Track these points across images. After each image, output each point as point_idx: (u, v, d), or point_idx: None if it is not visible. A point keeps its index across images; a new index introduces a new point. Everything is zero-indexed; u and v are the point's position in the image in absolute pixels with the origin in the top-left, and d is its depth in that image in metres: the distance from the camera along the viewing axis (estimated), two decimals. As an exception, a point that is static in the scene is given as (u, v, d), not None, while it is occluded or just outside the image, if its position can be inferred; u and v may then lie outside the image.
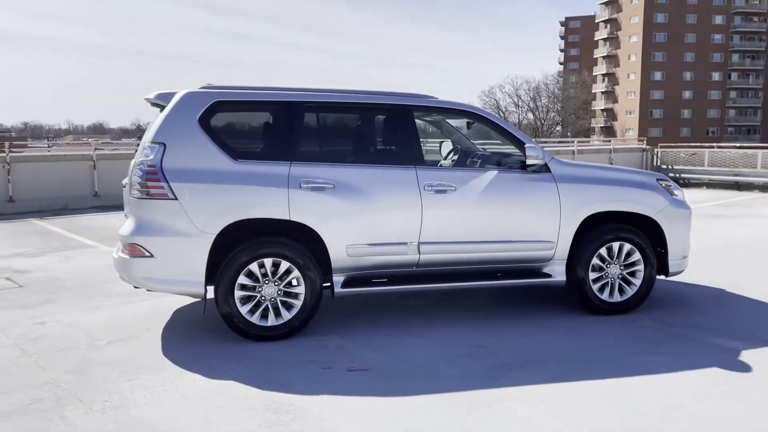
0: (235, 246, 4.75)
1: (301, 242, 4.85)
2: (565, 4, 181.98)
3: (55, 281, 6.93)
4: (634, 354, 4.52)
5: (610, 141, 25.08)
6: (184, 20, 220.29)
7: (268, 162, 4.85)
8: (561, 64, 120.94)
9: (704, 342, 4.75)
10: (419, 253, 5.02)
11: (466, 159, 6.08)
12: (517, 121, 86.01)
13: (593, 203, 5.27)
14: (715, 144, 19.47)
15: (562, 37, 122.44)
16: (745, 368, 4.21)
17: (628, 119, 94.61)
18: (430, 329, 5.11)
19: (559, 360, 4.41)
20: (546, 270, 5.31)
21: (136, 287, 5.06)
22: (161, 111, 5.29)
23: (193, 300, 5.98)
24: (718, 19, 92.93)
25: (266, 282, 4.80)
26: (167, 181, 4.64)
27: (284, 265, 4.79)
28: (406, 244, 4.99)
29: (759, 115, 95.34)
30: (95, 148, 14.74)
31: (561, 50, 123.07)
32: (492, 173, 5.15)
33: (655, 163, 19.35)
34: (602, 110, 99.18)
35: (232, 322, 4.77)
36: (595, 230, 5.30)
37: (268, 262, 4.77)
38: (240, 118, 5.25)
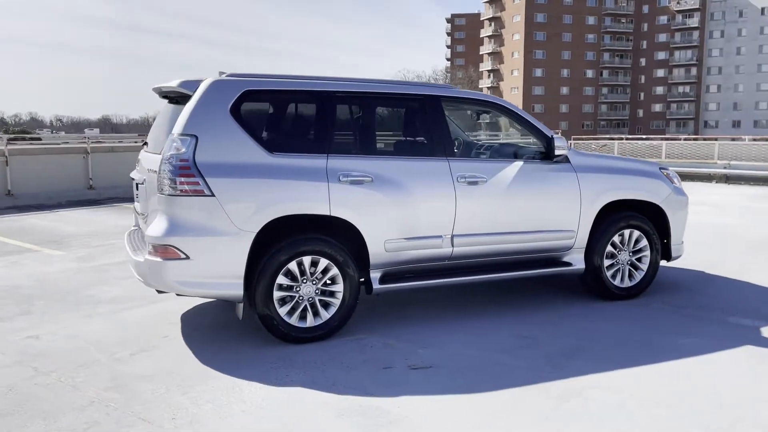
0: (270, 244, 4.48)
1: (337, 238, 4.66)
2: (452, 2, 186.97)
3: (17, 290, 6.22)
4: (667, 336, 4.73)
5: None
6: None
7: (305, 155, 4.61)
8: (448, 60, 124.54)
9: (722, 321, 5.06)
10: (452, 246, 4.98)
11: (471, 150, 6.10)
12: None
13: (609, 192, 5.46)
14: (623, 136, 20.81)
15: (448, 34, 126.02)
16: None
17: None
18: (466, 322, 5.08)
19: (607, 346, 4.53)
20: (566, 259, 5.44)
21: (159, 292, 4.67)
22: (172, 101, 4.92)
23: (197, 302, 5.62)
24: (591, 20, 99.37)
25: (304, 281, 4.57)
26: (202, 176, 4.29)
27: (323, 262, 4.59)
28: (440, 237, 4.93)
29: (627, 110, 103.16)
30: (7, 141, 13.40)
31: (448, 46, 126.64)
32: (518, 164, 5.20)
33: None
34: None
35: (272, 325, 4.51)
36: (609, 218, 5.49)
37: (306, 260, 4.55)
38: (271, 108, 4.94)
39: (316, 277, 4.60)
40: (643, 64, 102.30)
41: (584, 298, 5.71)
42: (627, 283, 5.66)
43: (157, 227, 4.34)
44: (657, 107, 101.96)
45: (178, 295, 4.62)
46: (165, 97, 5.11)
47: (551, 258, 5.42)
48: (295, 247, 4.49)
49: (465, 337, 4.73)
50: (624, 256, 5.62)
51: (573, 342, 4.62)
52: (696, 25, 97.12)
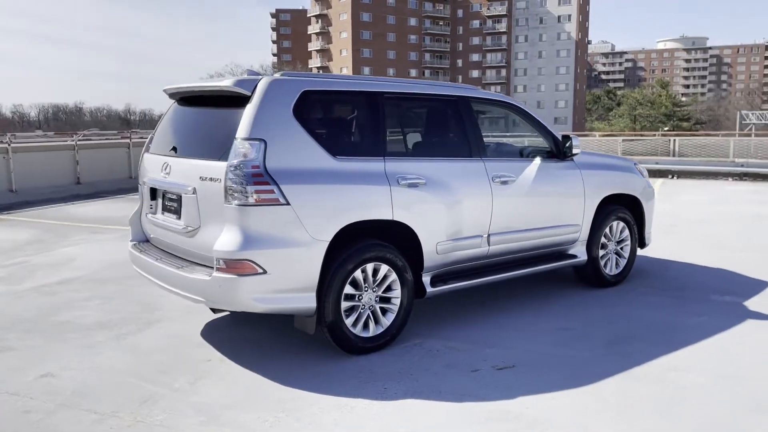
0: (333, 253, 4.28)
1: (393, 243, 4.57)
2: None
3: (-36, 322, 5.24)
4: (679, 317, 5.24)
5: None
6: None
7: (365, 158, 4.45)
8: (275, 55, 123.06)
9: (708, 300, 5.71)
10: (489, 245, 5.10)
11: (494, 150, 6.22)
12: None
13: (606, 188, 5.93)
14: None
15: (274, 29, 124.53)
16: (764, 317, 5.25)
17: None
18: (506, 318, 5.20)
19: (643, 332, 4.90)
20: (572, 251, 5.81)
21: (214, 311, 4.25)
22: (184, 103, 4.50)
23: (203, 320, 5.17)
24: (413, 21, 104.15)
25: (366, 289, 4.43)
26: (276, 184, 3.97)
27: (383, 269, 4.47)
28: (480, 237, 5.02)
29: None
30: None
31: (274, 42, 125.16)
32: (537, 163, 5.44)
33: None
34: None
35: (341, 337, 4.31)
36: (603, 212, 5.95)
37: (369, 267, 4.41)
38: (329, 109, 4.65)
39: (377, 284, 4.48)
40: (460, 65, 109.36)
41: (572, 287, 6.12)
42: (614, 271, 6.18)
43: (228, 241, 3.94)
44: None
45: (252, 312, 4.23)
46: (182, 98, 4.67)
47: (561, 251, 5.76)
48: (361, 255, 4.33)
49: (519, 334, 4.87)
50: (612, 246, 6.13)
51: (613, 329, 4.96)
52: (504, 30, 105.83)
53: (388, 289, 4.54)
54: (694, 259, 7.28)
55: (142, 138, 17.97)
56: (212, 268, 4.10)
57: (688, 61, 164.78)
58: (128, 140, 15.85)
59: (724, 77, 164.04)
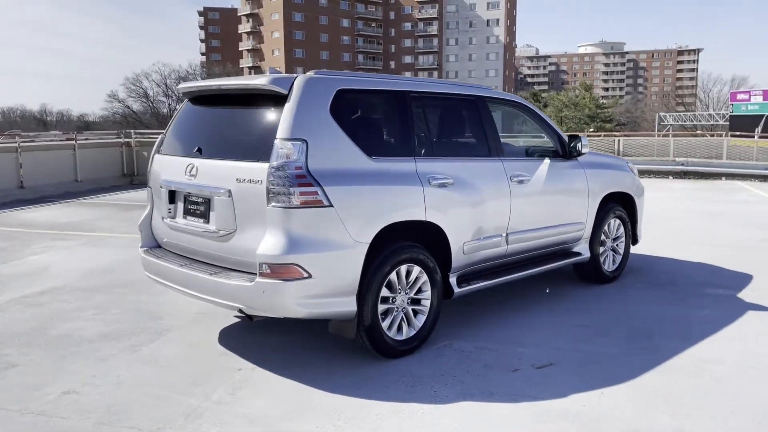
0: (370, 255, 4.19)
1: (423, 244, 4.53)
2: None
3: (-49, 338, 4.84)
4: (687, 309, 5.43)
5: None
6: None
7: (398, 158, 4.40)
8: (203, 54, 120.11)
9: (706, 294, 5.94)
10: (507, 244, 5.14)
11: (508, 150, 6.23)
12: (168, 111, 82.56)
13: (606, 186, 6.08)
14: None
15: (202, 28, 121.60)
16: (763, 308, 5.51)
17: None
18: (523, 318, 5.24)
19: (659, 327, 5.05)
20: (576, 249, 5.93)
21: (250, 318, 4.08)
22: (197, 102, 4.35)
23: (222, 324, 4.97)
24: (345, 22, 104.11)
25: (399, 291, 4.37)
26: (320, 185, 3.85)
27: (415, 270, 4.43)
28: (500, 236, 5.05)
29: None
30: None
31: (202, 40, 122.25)
32: (547, 162, 5.52)
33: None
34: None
35: (378, 340, 4.23)
36: (603, 210, 6.10)
37: (403, 269, 4.35)
38: (361, 108, 4.53)
39: (409, 286, 4.43)
40: (393, 66, 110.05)
41: (571, 284, 6.25)
42: (612, 268, 6.36)
43: (273, 245, 3.79)
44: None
45: (295, 318, 4.07)
46: (198, 97, 4.50)
47: (566, 249, 5.86)
48: (396, 256, 4.27)
49: (540, 333, 4.91)
50: (609, 243, 6.30)
51: (628, 325, 5.09)
52: (435, 33, 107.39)
53: (419, 290, 4.49)
54: (674, 255, 7.58)
55: (87, 139, 17.16)
56: (249, 273, 3.95)
57: (607, 65, 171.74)
58: (73, 142, 15.06)
59: (640, 80, 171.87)
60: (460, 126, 5.15)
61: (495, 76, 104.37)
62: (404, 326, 4.41)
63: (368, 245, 4.06)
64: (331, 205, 3.88)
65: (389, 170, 4.28)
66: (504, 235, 5.08)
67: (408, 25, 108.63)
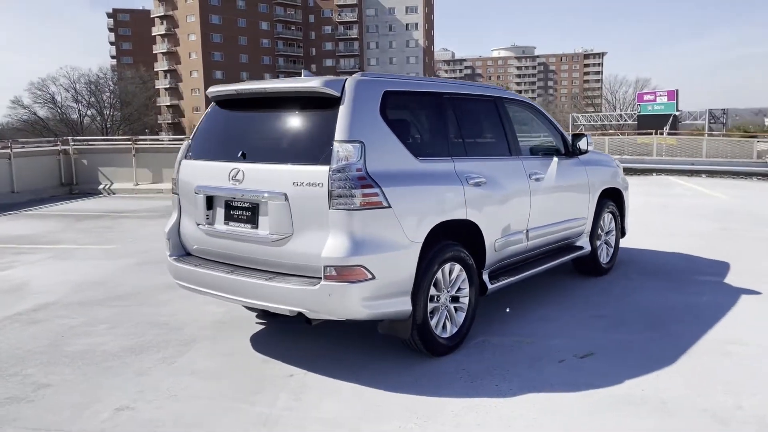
0: (422, 254, 4.23)
1: (460, 242, 4.62)
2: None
3: (-42, 362, 4.50)
4: (688, 298, 5.77)
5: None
6: None
7: (439, 158, 4.47)
8: (113, 57, 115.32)
9: (696, 281, 6.35)
10: (527, 240, 5.31)
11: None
12: (78, 116, 78.68)
13: (603, 182, 6.39)
14: None
15: (111, 30, 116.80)
16: (755, 291, 5.94)
17: (196, 116, 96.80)
18: (543, 311, 5.42)
19: (670, 314, 5.33)
20: (578, 243, 6.18)
21: (308, 321, 4.03)
22: (225, 106, 4.37)
23: (248, 332, 4.89)
24: (264, 25, 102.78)
25: (443, 289, 4.45)
26: (380, 187, 3.87)
27: (456, 269, 4.51)
28: (522, 232, 5.21)
29: None
30: None
31: (112, 43, 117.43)
32: (555, 160, 5.72)
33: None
34: (168, 107, 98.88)
35: (430, 338, 4.28)
36: (599, 205, 6.40)
37: (446, 267, 4.43)
38: (406, 110, 4.53)
39: (450, 284, 4.51)
40: (315, 70, 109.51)
41: (568, 277, 6.51)
42: (606, 260, 6.67)
43: (338, 247, 3.77)
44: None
45: (354, 320, 4.04)
46: (229, 100, 4.44)
47: (570, 244, 6.11)
48: (443, 255, 4.33)
49: (563, 324, 5.08)
50: (603, 237, 6.61)
51: (642, 314, 5.35)
52: (356, 36, 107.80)
53: (459, 289, 4.58)
54: (649, 246, 8.02)
55: (23, 147, 16.19)
56: (308, 277, 3.92)
57: (519, 68, 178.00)
58: (8, 150, 14.16)
59: (550, 83, 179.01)
60: (486, 126, 5.27)
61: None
62: (448, 324, 4.49)
63: (421, 245, 4.12)
64: (390, 206, 3.91)
65: (434, 170, 4.35)
66: (525, 231, 5.24)
67: (328, 29, 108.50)
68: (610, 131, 46.22)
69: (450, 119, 4.69)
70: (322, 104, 4.03)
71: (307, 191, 3.87)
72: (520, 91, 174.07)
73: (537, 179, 5.36)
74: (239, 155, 4.22)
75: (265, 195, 4.03)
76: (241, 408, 3.72)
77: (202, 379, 4.17)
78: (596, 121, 58.95)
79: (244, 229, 4.20)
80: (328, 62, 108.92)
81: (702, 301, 5.68)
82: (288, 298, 3.91)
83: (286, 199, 3.94)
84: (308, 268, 3.91)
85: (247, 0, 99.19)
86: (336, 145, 3.83)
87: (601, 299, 5.80)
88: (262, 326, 5.15)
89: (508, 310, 5.44)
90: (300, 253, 3.93)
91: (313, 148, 3.92)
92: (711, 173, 18.83)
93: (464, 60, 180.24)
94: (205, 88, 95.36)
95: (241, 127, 4.47)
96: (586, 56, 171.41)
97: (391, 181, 3.96)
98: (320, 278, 3.85)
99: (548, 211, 5.56)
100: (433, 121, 4.64)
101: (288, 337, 4.93)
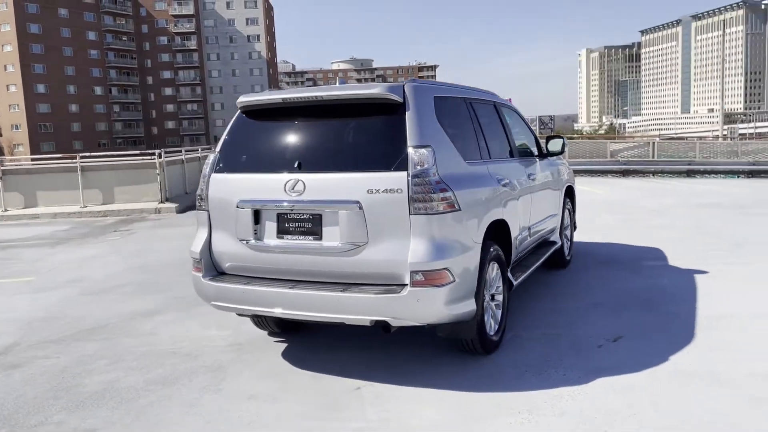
0: None
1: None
2: None
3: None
4: (656, 281, 6.38)
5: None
6: None
7: (478, 161, 4.59)
8: None
9: (645, 266, 7.02)
10: (529, 236, 5.60)
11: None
12: None
13: (566, 180, 6.88)
14: None
15: None
16: (703, 271, 6.72)
17: (16, 134, 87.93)
18: (542, 303, 5.71)
19: (653, 296, 5.87)
20: (552, 239, 6.59)
21: (386, 329, 3.93)
22: (252, 115, 4.36)
23: (265, 349, 4.69)
24: (92, 35, 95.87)
25: (488, 288, 4.57)
26: (452, 190, 3.92)
27: (494, 267, 4.66)
28: (527, 229, 5.49)
29: (142, 127, 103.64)
30: None
31: None
32: (538, 161, 6.08)
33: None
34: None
35: (485, 337, 4.39)
36: (563, 202, 6.89)
37: (490, 267, 4.56)
38: (451, 115, 4.51)
39: (491, 283, 4.65)
40: (151, 82, 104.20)
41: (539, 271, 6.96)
42: (567, 253, 7.18)
43: (424, 252, 3.75)
44: (170, 124, 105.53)
45: (428, 324, 3.99)
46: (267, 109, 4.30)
47: (547, 239, 6.50)
48: (489, 255, 4.46)
49: (573, 314, 5.41)
50: (564, 231, 7.12)
51: (631, 298, 5.83)
52: (195, 47, 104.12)
53: (496, 287, 4.73)
54: (579, 239, 8.72)
55: None
56: (387, 284, 3.86)
57: (359, 80, 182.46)
58: None
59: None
60: (496, 129, 5.47)
61: (260, 92, 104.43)
62: (492, 322, 4.61)
63: (481, 245, 4.22)
64: (460, 209, 3.97)
65: (477, 173, 4.47)
66: (528, 227, 5.52)
67: (164, 39, 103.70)
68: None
69: (476, 123, 4.84)
70: (383, 110, 3.99)
71: (384, 198, 3.81)
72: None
73: (533, 179, 5.68)
74: (296, 165, 4.04)
75: (335, 205, 3.90)
76: (334, 426, 3.57)
77: (266, 402, 3.93)
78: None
79: (304, 241, 4.03)
80: (166, 74, 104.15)
81: (666, 283, 6.32)
82: (369, 308, 3.81)
83: (360, 207, 3.85)
84: (387, 275, 3.85)
85: (70, 9, 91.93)
86: (411, 151, 3.82)
87: (585, 288, 6.23)
88: (285, 344, 4.93)
89: None
90: (378, 261, 3.86)
91: (385, 155, 3.87)
92: (576, 172, 20.66)
93: (305, 72, 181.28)
94: (26, 104, 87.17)
95: (288, 137, 4.27)
96: (420, 69, 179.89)
97: (456, 184, 4.02)
98: (402, 285, 3.81)
99: (540, 208, 5.89)
100: (469, 125, 4.75)
101: (320, 351, 4.77)
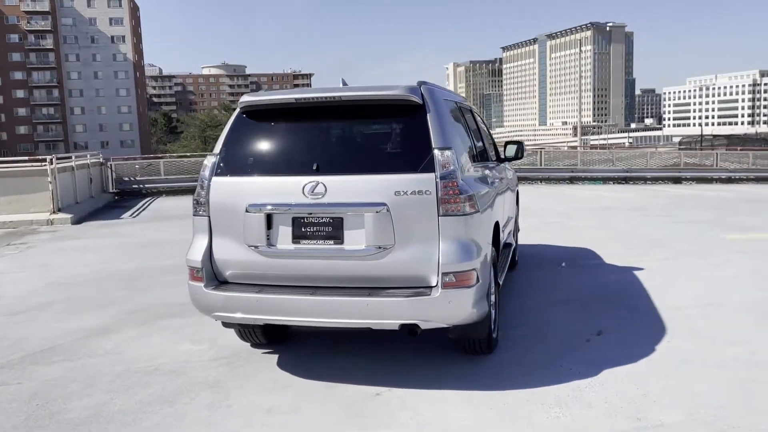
0: None
1: None
2: None
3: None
4: (601, 277, 6.81)
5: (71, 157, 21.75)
6: None
7: (476, 163, 4.69)
8: None
9: (591, 265, 7.48)
10: (504, 238, 5.76)
11: None
12: None
13: (516, 184, 7.15)
14: (167, 154, 20.72)
15: None
16: (639, 268, 7.25)
17: None
18: (511, 302, 5.90)
19: (611, 290, 6.27)
20: (509, 240, 6.82)
21: (412, 333, 3.87)
22: (259, 117, 4.19)
23: (269, 358, 4.52)
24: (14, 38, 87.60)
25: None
26: (474, 192, 3.97)
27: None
28: (501, 230, 5.65)
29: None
30: None
31: None
32: (502, 165, 6.27)
33: (113, 176, 18.83)
34: None
35: (491, 336, 4.46)
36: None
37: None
38: (455, 118, 4.49)
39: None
40: (0, 83, 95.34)
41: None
42: (516, 254, 7.47)
43: (454, 253, 3.75)
44: (23, 129, 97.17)
45: (450, 325, 3.97)
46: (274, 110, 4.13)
47: (506, 241, 6.72)
48: (492, 256, 4.55)
49: (545, 313, 5.64)
50: (516, 233, 7.40)
51: (593, 295, 6.19)
52: (51, 47, 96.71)
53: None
54: (521, 240, 9.09)
55: None
56: (413, 287, 3.82)
57: (232, 86, 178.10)
58: None
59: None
60: (479, 134, 5.56)
61: (127, 95, 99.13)
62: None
63: (491, 245, 4.29)
64: (479, 210, 4.02)
65: (481, 175, 4.56)
66: (501, 228, 5.68)
67: (15, 37, 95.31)
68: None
69: (467, 127, 4.93)
70: (402, 111, 3.96)
71: (412, 200, 3.77)
72: (232, 109, 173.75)
73: (503, 182, 5.86)
74: (314, 168, 3.88)
75: (360, 207, 3.80)
76: (377, 433, 3.47)
77: (289, 414, 3.74)
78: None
79: (323, 246, 3.88)
80: (18, 75, 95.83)
81: (613, 279, 6.77)
82: (398, 311, 3.74)
83: (388, 209, 3.78)
84: (412, 278, 3.81)
85: None
86: (437, 152, 3.81)
87: (546, 287, 6.53)
88: (275, 355, 4.71)
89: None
90: (404, 263, 3.80)
91: (410, 156, 3.84)
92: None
93: (173, 76, 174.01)
94: None
95: (303, 138, 4.10)
96: (295, 77, 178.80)
97: (472, 185, 4.08)
98: (428, 287, 3.79)
99: (509, 211, 6.11)
100: (464, 129, 4.82)
101: (321, 359, 4.60)
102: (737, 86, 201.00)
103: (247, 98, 4.18)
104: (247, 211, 3.95)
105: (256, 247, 3.97)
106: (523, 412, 3.67)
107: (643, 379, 4.08)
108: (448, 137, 3.94)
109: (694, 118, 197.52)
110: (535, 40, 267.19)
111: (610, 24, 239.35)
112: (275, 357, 4.68)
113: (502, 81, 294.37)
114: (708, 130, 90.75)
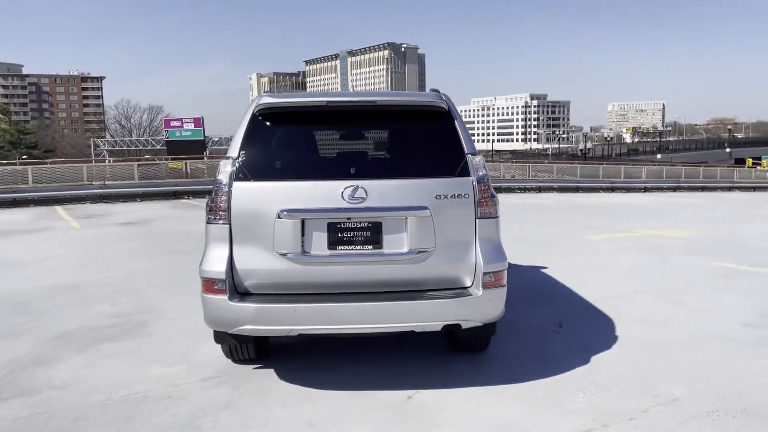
0: None
1: None
2: None
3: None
4: (540, 273, 7.35)
5: None
6: None
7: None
8: None
9: (525, 267, 7.97)
10: None
11: None
12: None
13: None
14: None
15: None
16: (544, 266, 7.92)
17: None
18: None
19: (545, 289, 6.81)
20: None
21: (463, 329, 3.91)
22: (273, 120, 4.07)
23: (270, 368, 4.36)
24: None
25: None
26: (497, 195, 4.15)
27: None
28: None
29: None
30: None
31: None
32: None
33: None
34: None
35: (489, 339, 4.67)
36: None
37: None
38: None
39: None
40: None
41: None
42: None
43: (492, 254, 3.89)
44: None
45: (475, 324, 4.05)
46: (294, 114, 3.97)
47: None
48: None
49: (510, 307, 5.96)
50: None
51: (539, 291, 6.64)
52: None
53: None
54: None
55: None
56: (453, 288, 3.90)
57: (6, 87, 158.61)
58: None
59: (45, 105, 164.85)
60: None
61: None
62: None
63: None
64: (498, 214, 4.21)
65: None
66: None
67: None
68: (146, 156, 46.33)
69: None
70: (431, 117, 4.03)
71: (452, 203, 3.84)
72: (10, 113, 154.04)
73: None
74: (352, 172, 3.78)
75: (402, 211, 3.78)
76: (442, 435, 3.49)
77: (333, 425, 3.59)
78: (122, 146, 58.39)
79: (362, 251, 3.79)
80: None
81: (532, 275, 7.36)
82: (443, 312, 3.78)
83: (429, 213, 3.81)
84: (451, 279, 3.88)
85: None
86: (470, 157, 3.94)
87: (521, 288, 6.82)
88: (269, 369, 4.44)
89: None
90: (443, 265, 3.85)
91: (446, 160, 3.91)
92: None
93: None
94: None
95: (334, 142, 3.96)
96: (84, 79, 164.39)
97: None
98: (465, 287, 3.89)
99: None
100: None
101: (316, 370, 4.42)
102: (512, 107, 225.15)
103: (267, 100, 3.94)
104: (279, 217, 3.72)
105: (287, 254, 3.75)
106: (552, 401, 3.88)
107: (634, 359, 4.55)
108: (472, 143, 4.09)
109: (479, 134, 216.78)
110: (336, 56, 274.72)
111: (405, 45, 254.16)
112: (270, 371, 4.42)
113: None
114: (489, 147, 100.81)
